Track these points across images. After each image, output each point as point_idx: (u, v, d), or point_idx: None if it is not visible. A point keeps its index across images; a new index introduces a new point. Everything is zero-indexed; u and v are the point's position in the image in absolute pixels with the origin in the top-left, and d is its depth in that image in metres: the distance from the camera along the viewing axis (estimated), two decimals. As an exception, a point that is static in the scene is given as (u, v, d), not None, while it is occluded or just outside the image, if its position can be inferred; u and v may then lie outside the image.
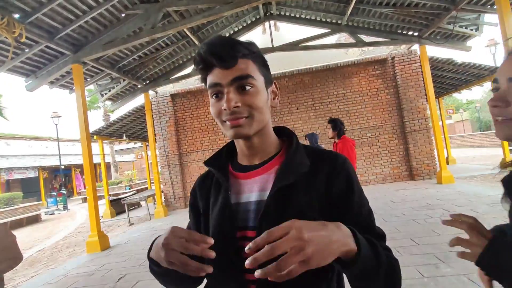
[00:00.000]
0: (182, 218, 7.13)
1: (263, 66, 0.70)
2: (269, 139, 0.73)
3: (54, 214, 14.40)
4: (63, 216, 13.46)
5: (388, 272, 0.57)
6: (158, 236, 0.62)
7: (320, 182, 0.66)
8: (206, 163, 0.77)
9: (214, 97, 0.67)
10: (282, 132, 0.78)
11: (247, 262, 0.45)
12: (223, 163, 0.77)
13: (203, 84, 0.70)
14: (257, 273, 0.44)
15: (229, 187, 0.71)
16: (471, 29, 6.66)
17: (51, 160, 21.75)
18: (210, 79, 0.66)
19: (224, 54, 0.63)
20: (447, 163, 10.13)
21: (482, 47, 13.47)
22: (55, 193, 16.76)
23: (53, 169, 21.99)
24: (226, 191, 0.70)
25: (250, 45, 0.68)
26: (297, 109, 8.70)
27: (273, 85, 0.74)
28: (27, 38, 4.55)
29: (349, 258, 0.51)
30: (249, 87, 0.65)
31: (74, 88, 5.71)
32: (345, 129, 4.10)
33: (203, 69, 0.67)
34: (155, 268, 0.64)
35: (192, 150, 9.03)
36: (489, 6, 5.63)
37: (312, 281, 0.62)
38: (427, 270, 2.79)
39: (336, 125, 3.97)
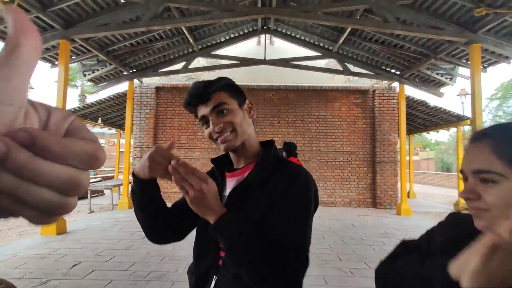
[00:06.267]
0: (146, 213, 6.94)
1: (234, 92, 0.88)
2: (251, 149, 0.89)
3: (6, 189, 13.44)
4: (17, 193, 12.61)
5: (258, 269, 0.70)
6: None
7: (271, 186, 0.81)
8: (212, 160, 0.97)
9: (204, 126, 0.87)
10: (268, 145, 0.95)
11: (173, 162, 0.70)
12: (223, 164, 0.96)
13: (197, 119, 0.90)
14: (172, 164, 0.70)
15: (219, 181, 0.90)
16: (446, 78, 7.28)
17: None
18: (198, 113, 0.87)
19: (199, 94, 0.84)
20: (408, 197, 10.73)
21: (453, 95, 14.64)
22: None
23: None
24: (220, 186, 0.89)
25: (219, 80, 0.87)
26: (278, 123, 8.92)
27: (246, 102, 0.91)
28: (18, 5, 4.39)
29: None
30: (225, 111, 0.84)
31: (57, 63, 5.54)
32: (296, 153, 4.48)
33: (193, 108, 0.88)
34: (137, 189, 0.83)
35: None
36: (464, 61, 6.21)
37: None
38: (375, 292, 2.99)
39: (288, 148, 4.32)
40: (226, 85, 0.87)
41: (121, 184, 8.39)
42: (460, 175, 0.61)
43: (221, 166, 0.95)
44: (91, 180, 10.70)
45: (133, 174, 0.82)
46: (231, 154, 0.91)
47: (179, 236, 0.93)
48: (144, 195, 0.83)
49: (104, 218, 6.61)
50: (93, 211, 7.60)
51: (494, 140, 0.55)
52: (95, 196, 10.23)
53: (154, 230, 0.89)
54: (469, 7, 4.65)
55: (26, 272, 3.36)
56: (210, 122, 0.83)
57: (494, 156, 0.53)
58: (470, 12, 4.70)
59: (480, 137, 0.57)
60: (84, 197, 9.02)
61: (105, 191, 10.70)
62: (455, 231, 0.67)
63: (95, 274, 3.33)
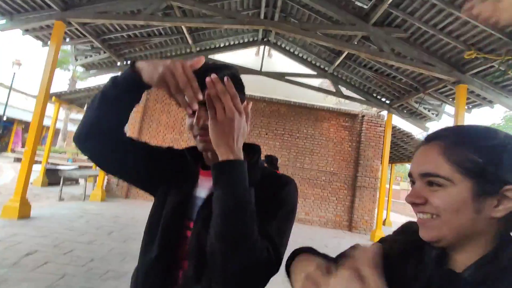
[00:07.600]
0: (118, 208, 6.75)
1: (237, 88, 0.72)
2: None
3: (-24, 165, 12.85)
4: (-13, 170, 12.07)
5: (243, 247, 0.59)
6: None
7: (257, 197, 0.69)
8: (187, 149, 0.83)
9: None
10: (251, 148, 0.84)
11: (213, 76, 0.61)
12: (197, 157, 0.82)
13: None
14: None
15: (195, 179, 0.79)
16: (433, 113, 7.48)
17: (-6, 107, 19.60)
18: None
19: (198, 76, 0.67)
20: (383, 224, 10.84)
21: (438, 131, 15.09)
22: (-15, 143, 15.05)
23: (-7, 117, 19.76)
24: (191, 182, 0.78)
25: (222, 68, 0.72)
26: (266, 134, 8.93)
27: (244, 103, 0.74)
28: (15, -22, 4.28)
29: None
30: None
31: (49, 43, 5.40)
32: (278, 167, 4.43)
33: None
34: (124, 84, 0.70)
35: (151, 143, 8.74)
36: (450, 99, 6.40)
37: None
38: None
39: (270, 160, 4.29)
40: (232, 75, 0.71)
41: (97, 175, 8.12)
42: (409, 179, 0.58)
43: (196, 159, 0.81)
44: (67, 167, 10.35)
45: (132, 64, 0.68)
46: (208, 155, 0.78)
47: (111, 164, 0.80)
48: (127, 93, 0.71)
49: (73, 207, 6.36)
50: (63, 199, 7.30)
51: (443, 143, 0.52)
52: (69, 184, 9.87)
53: (97, 135, 0.75)
54: (461, 49, 4.83)
55: (-26, 255, 3.15)
56: (196, 113, 0.70)
57: (443, 159, 0.51)
58: (461, 53, 4.87)
59: (431, 139, 0.54)
60: (57, 183, 8.69)
61: (80, 180, 10.35)
62: (406, 239, 0.64)
63: (48, 267, 3.14)
